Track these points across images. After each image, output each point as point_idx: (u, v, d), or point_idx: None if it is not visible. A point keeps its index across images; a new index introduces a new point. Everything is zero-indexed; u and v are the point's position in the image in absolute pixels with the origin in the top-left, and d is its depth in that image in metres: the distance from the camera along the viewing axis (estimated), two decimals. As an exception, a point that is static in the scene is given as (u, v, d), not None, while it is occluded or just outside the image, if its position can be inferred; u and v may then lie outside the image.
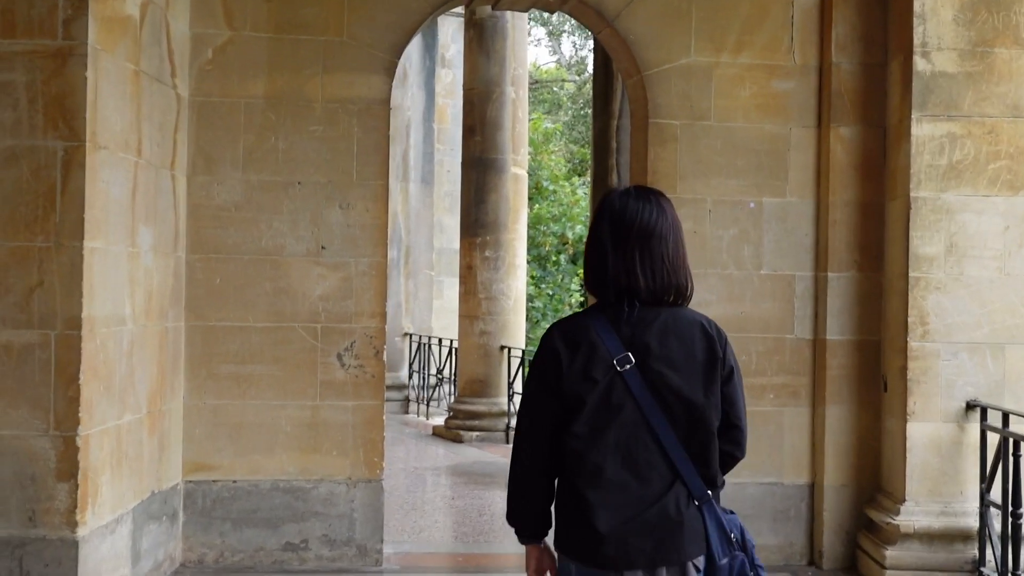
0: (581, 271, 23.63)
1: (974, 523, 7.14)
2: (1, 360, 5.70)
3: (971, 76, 7.27)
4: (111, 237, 6.02)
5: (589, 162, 17.17)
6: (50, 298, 5.68)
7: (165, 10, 6.87)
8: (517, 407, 10.85)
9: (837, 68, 7.68)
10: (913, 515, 7.18)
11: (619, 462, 3.35)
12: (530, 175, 21.88)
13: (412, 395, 18.32)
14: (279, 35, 7.47)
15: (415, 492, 10.76)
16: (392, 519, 8.91)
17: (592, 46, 17.46)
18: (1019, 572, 6.55)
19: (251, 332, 7.41)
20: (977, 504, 7.12)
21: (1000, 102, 7.27)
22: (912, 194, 7.24)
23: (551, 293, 27.61)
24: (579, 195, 28.61)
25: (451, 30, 20.35)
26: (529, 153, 22.45)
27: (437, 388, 17.89)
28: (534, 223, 26.59)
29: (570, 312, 22.98)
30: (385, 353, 7.59)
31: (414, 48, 19.08)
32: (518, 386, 13.72)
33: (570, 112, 35.91)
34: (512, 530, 3.67)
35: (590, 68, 28.06)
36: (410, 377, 18.59)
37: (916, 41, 7.25)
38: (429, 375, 18.13)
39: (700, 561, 3.39)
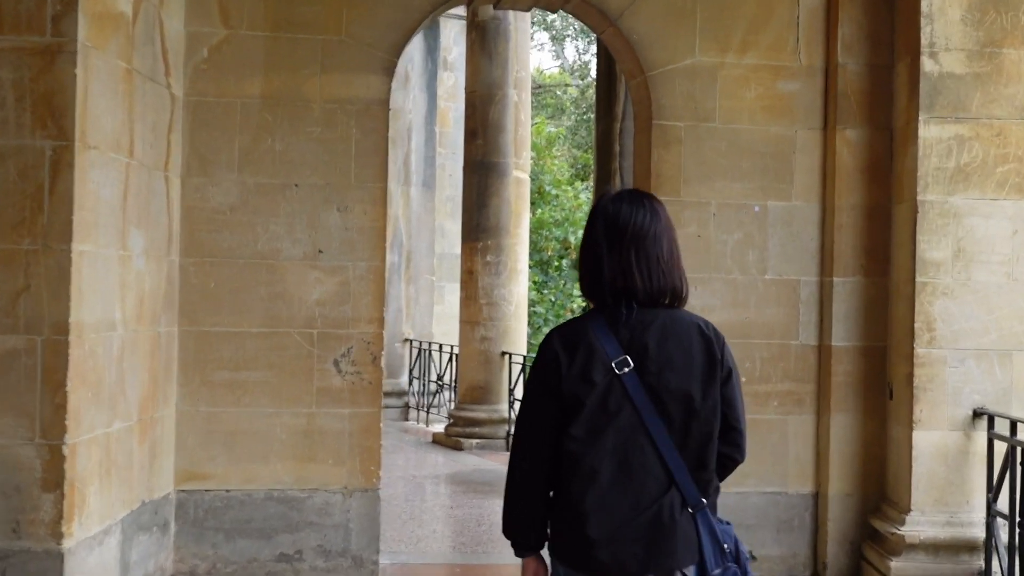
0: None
1: (980, 534, 7.03)
2: (-14, 366, 5.57)
3: (979, 77, 7.16)
4: (101, 240, 5.88)
5: (592, 166, 17.07)
6: (37, 302, 5.54)
7: (159, 7, 6.74)
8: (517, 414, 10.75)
9: (843, 69, 7.58)
10: (919, 525, 7.08)
11: (615, 466, 3.35)
12: (533, 179, 21.84)
13: (412, 402, 18.23)
14: (276, 34, 7.35)
15: (413, 501, 10.65)
16: (389, 529, 8.82)
17: (595, 50, 17.39)
18: (1028, 585, 6.46)
19: (246, 338, 7.29)
20: (984, 514, 7.02)
21: (1009, 104, 7.17)
22: (919, 197, 7.13)
23: (553, 299, 27.53)
24: (582, 199, 28.57)
25: (453, 33, 20.26)
26: (532, 157, 22.41)
27: (437, 394, 17.82)
28: (536, 227, 26.53)
29: (571, 317, 22.90)
30: (383, 359, 7.49)
31: (416, 51, 19.03)
32: (519, 393, 13.61)
33: (573, 116, 35.85)
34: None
35: (593, 73, 28.00)
36: (410, 383, 18.50)
37: (923, 42, 7.14)
38: (429, 381, 18.06)
39: (692, 571, 3.38)
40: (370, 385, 7.38)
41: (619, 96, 10.90)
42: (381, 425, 7.47)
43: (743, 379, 7.38)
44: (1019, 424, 6.70)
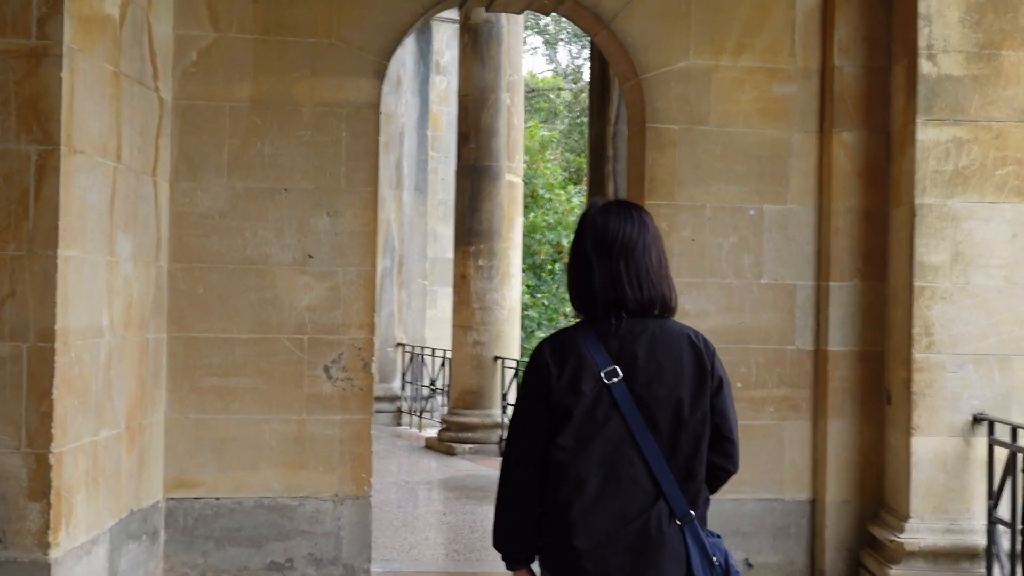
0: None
1: (981, 541, 6.96)
2: (-29, 374, 5.47)
3: (978, 79, 7.09)
4: (88, 245, 5.79)
5: (585, 170, 17.03)
6: (22, 309, 5.44)
7: (147, 10, 6.65)
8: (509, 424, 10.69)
9: (839, 71, 7.51)
10: (918, 532, 7.00)
11: (602, 476, 3.35)
12: (526, 183, 21.77)
13: (405, 406, 18.17)
14: (266, 37, 7.27)
15: (405, 507, 10.57)
16: (381, 536, 8.76)
17: (589, 53, 17.35)
18: (1029, 592, 6.40)
19: (235, 344, 7.20)
20: (984, 521, 6.95)
21: (1008, 106, 7.10)
22: (917, 201, 7.07)
23: (546, 303, 27.50)
24: (575, 203, 28.56)
25: (446, 36, 20.21)
26: (525, 161, 22.35)
27: (430, 399, 17.75)
28: (529, 231, 26.51)
29: (564, 321, 22.86)
30: (374, 365, 7.42)
31: (408, 54, 18.99)
32: (512, 398, 13.55)
33: (566, 120, 35.84)
34: None
35: (586, 76, 27.97)
36: (403, 388, 18.44)
37: (921, 43, 7.07)
38: (422, 386, 18.00)
39: None
40: (361, 391, 7.30)
41: (612, 99, 10.87)
42: (372, 431, 7.40)
43: (738, 385, 7.42)
44: (1020, 430, 6.63)
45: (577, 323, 3.55)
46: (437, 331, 19.68)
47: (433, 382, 17.62)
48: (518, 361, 14.15)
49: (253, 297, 7.22)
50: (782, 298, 7.62)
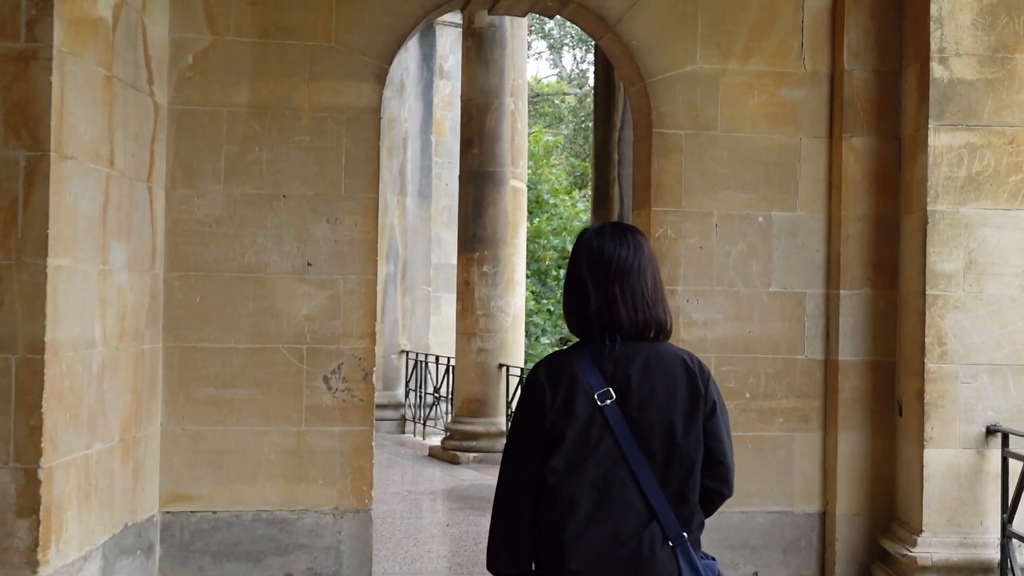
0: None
1: (995, 555, 6.86)
2: (-43, 387, 5.32)
3: (991, 83, 6.98)
4: (79, 254, 5.65)
5: (590, 175, 16.91)
6: (10, 320, 5.29)
7: (141, 12, 6.52)
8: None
9: (849, 76, 7.38)
10: (930, 546, 6.89)
11: (595, 498, 3.37)
12: (531, 189, 21.70)
13: (408, 414, 18.05)
14: (264, 40, 7.15)
15: (408, 519, 10.43)
16: (383, 548, 8.63)
17: (593, 58, 17.23)
18: (1046, 609, 6.28)
19: (233, 354, 7.07)
20: (998, 535, 6.86)
21: (1021, 110, 7.01)
22: (929, 208, 6.95)
23: (551, 309, 27.37)
24: (580, 208, 28.46)
25: (449, 40, 20.13)
26: (529, 166, 22.25)
27: (434, 407, 17.65)
28: (534, 237, 26.42)
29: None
30: (375, 375, 7.30)
31: (412, 58, 18.92)
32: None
33: (571, 125, 35.76)
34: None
35: (591, 81, 27.87)
36: (406, 396, 18.32)
37: (933, 47, 6.95)
38: (426, 393, 17.90)
39: None
40: (361, 402, 7.17)
41: (618, 104, 10.76)
42: (375, 440, 7.26)
43: (747, 395, 7.29)
44: (1034, 442, 6.53)
45: (572, 345, 3.57)
46: (441, 338, 19.60)
47: (437, 390, 17.52)
48: (522, 369, 14.04)
49: (251, 306, 7.09)
50: (791, 307, 7.50)
